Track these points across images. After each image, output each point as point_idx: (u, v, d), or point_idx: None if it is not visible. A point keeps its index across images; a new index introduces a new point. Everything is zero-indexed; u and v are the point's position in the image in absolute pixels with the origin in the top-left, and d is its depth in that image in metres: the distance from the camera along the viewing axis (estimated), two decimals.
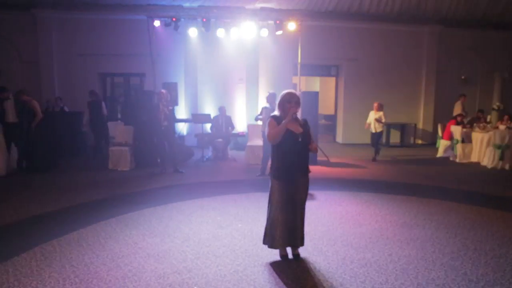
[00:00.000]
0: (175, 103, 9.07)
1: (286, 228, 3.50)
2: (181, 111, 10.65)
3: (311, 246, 3.89)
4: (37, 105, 7.65)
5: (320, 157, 8.63)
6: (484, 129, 9.23)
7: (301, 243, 3.66)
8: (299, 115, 3.60)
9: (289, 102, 3.45)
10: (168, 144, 7.70)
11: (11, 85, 8.09)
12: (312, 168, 3.70)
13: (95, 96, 9.06)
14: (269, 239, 3.59)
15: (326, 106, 14.33)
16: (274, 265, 3.51)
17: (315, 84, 15.96)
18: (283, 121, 3.37)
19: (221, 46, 10.65)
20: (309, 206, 3.76)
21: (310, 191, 3.77)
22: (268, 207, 3.62)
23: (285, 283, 3.18)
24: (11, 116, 7.34)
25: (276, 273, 3.36)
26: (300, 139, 3.42)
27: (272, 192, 3.56)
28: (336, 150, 10.86)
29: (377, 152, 9.26)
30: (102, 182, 6.79)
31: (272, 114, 3.61)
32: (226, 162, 9.02)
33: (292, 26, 9.49)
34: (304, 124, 3.52)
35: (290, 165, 3.46)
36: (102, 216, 4.84)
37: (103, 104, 9.25)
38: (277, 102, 3.60)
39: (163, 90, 7.70)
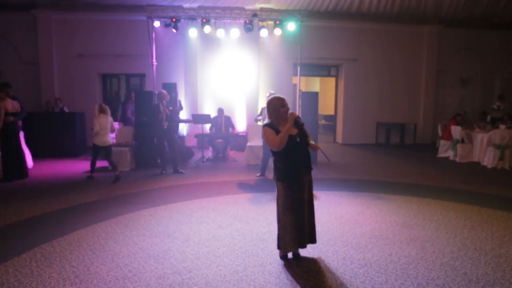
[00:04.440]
0: (180, 107, 9.27)
1: (294, 229, 3.47)
2: (181, 111, 10.65)
3: (311, 246, 3.88)
4: None
5: (320, 158, 8.63)
6: (484, 129, 9.23)
7: (311, 241, 3.64)
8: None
9: (283, 106, 3.44)
10: (168, 144, 7.70)
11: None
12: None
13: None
14: (282, 244, 3.54)
15: (326, 106, 14.34)
16: (274, 265, 3.51)
17: (315, 84, 15.99)
18: (286, 126, 3.35)
19: (221, 46, 10.67)
20: None
21: None
22: (276, 211, 3.58)
23: (285, 283, 3.18)
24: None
25: (276, 273, 3.36)
26: (298, 139, 3.44)
27: (278, 195, 3.54)
28: (336, 150, 10.87)
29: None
30: (102, 182, 6.79)
31: (264, 123, 3.56)
32: (226, 162, 9.02)
33: (292, 26, 9.49)
34: (296, 122, 3.48)
35: (294, 165, 3.45)
36: (102, 216, 4.84)
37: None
38: (266, 110, 3.55)
39: (163, 90, 7.72)
